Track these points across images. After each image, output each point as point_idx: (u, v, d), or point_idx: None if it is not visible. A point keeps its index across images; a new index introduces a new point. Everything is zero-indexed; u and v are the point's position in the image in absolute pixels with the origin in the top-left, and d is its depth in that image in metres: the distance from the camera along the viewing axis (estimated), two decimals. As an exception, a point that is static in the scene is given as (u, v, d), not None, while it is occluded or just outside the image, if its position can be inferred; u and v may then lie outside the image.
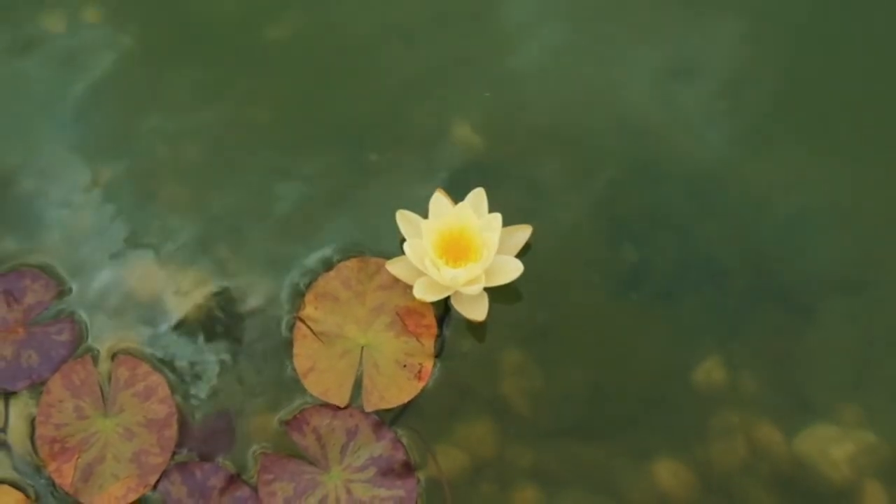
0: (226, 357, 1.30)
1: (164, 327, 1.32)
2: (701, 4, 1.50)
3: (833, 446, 1.25)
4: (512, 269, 1.26)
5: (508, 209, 1.29)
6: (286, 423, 1.24)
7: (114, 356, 1.28)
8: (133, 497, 1.21)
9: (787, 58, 1.47)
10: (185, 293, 1.34)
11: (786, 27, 1.49)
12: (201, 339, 1.32)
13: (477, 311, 1.26)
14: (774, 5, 1.50)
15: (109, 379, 1.27)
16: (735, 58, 1.47)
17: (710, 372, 1.28)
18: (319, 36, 1.48)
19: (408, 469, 1.22)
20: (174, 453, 1.23)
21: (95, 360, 1.28)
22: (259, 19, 1.49)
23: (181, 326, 1.32)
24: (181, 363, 1.30)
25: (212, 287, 1.34)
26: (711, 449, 1.25)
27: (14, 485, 1.21)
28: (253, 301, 1.33)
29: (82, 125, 1.43)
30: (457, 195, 1.29)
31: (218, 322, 1.32)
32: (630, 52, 1.46)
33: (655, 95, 1.44)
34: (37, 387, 1.26)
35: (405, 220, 1.28)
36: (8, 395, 1.26)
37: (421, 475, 1.23)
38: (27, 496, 1.21)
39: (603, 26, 1.48)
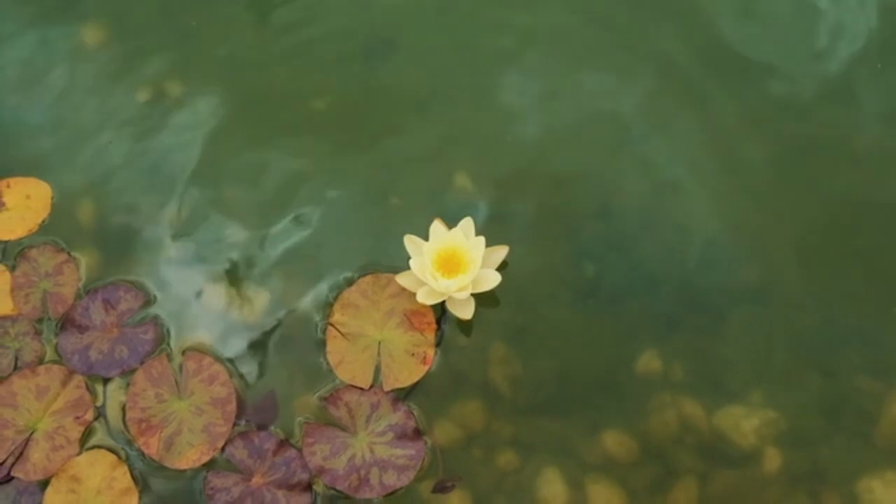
0: (277, 356, 1.44)
1: (227, 331, 1.46)
2: (617, 73, 1.63)
3: (742, 421, 1.38)
4: (492, 280, 1.40)
5: (492, 235, 1.43)
6: (324, 398, 1.40)
7: (183, 352, 1.43)
8: (206, 459, 1.36)
9: (709, 122, 1.60)
10: (243, 307, 1.47)
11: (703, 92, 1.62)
12: (259, 342, 1.45)
13: (465, 311, 1.41)
14: (691, 72, 1.63)
15: (181, 370, 1.42)
16: (666, 118, 1.60)
17: (648, 362, 1.42)
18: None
19: (417, 434, 1.37)
20: (235, 424, 1.38)
21: (170, 356, 1.43)
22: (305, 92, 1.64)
23: (243, 332, 1.46)
24: (242, 360, 1.44)
25: (266, 302, 1.48)
26: (649, 423, 1.39)
27: (109, 449, 1.38)
28: (297, 313, 1.47)
29: (166, 175, 1.58)
30: (451, 223, 1.44)
31: (271, 329, 1.46)
32: (590, 120, 1.61)
33: (610, 152, 1.58)
34: (126, 375, 1.42)
35: (411, 242, 1.43)
36: (105, 381, 1.42)
37: (427, 439, 1.38)
38: (119, 458, 1.37)
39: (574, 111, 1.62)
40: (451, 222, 1.46)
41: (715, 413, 1.39)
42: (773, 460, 1.37)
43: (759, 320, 1.46)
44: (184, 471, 1.37)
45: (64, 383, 1.43)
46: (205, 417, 1.40)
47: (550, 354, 1.44)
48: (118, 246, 1.52)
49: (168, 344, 1.45)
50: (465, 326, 1.45)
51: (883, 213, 1.54)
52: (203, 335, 1.46)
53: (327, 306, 1.47)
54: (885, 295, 1.48)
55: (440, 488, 1.36)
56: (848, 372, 1.42)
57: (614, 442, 1.38)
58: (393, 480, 1.36)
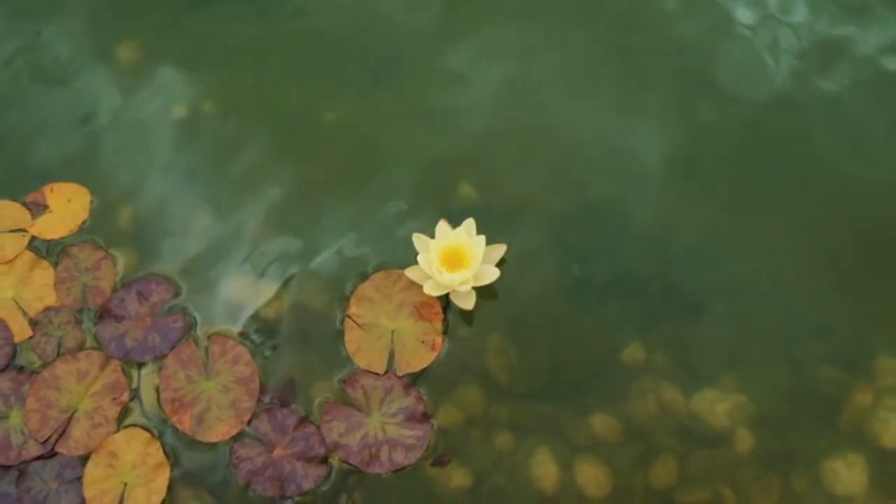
0: (300, 345, 1.50)
1: (252, 322, 1.51)
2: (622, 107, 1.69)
3: (716, 405, 1.44)
4: (492, 274, 1.47)
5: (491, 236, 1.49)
6: (343, 381, 1.47)
7: (209, 337, 1.50)
8: (234, 432, 1.44)
9: (684, 134, 1.65)
10: (267, 299, 1.54)
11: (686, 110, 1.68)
12: (283, 333, 1.51)
13: (467, 302, 1.48)
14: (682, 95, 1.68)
15: (207, 353, 1.49)
16: (649, 135, 1.65)
17: (632, 352, 1.47)
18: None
19: (425, 417, 1.45)
20: (259, 400, 1.45)
21: (197, 341, 1.50)
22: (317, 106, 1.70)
23: (266, 322, 1.52)
24: (267, 350, 1.50)
25: (289, 296, 1.53)
26: (633, 406, 1.44)
27: (144, 427, 1.45)
28: (317, 306, 1.53)
29: (197, 181, 1.65)
30: (455, 223, 1.51)
31: (294, 322, 1.52)
32: (580, 134, 1.66)
33: (597, 162, 1.63)
34: (158, 360, 1.48)
35: (419, 240, 1.51)
36: (139, 365, 1.50)
37: (434, 422, 1.44)
38: (152, 435, 1.44)
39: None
40: (454, 223, 1.53)
41: (692, 397, 1.45)
42: (745, 441, 1.43)
43: (731, 314, 1.51)
44: (214, 444, 1.44)
45: (102, 367, 1.50)
46: (231, 394, 1.47)
47: (543, 346, 1.50)
48: (151, 244, 1.59)
49: (195, 331, 1.51)
50: (467, 317, 1.52)
51: (846, 212, 1.60)
52: (229, 324, 1.53)
53: (344, 300, 1.54)
54: (848, 292, 1.53)
55: (437, 462, 1.43)
56: (813, 362, 1.48)
57: (601, 424, 1.44)
58: (401, 458, 1.43)
